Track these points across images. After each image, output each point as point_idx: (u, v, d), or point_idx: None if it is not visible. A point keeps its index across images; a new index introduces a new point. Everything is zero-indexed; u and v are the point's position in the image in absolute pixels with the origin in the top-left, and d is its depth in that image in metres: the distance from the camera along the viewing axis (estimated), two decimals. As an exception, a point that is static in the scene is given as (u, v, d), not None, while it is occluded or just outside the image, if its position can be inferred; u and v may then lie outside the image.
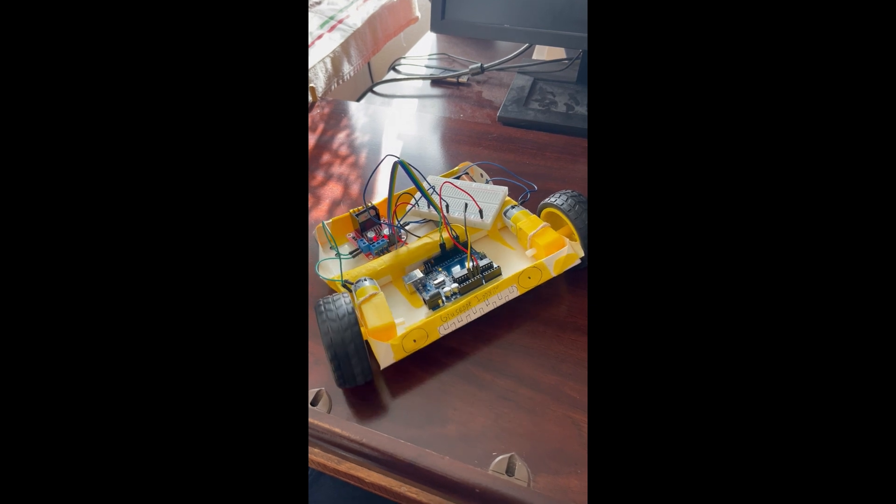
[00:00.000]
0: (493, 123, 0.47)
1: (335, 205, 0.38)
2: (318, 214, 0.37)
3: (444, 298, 0.28)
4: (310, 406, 0.23)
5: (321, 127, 0.47)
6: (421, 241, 0.31)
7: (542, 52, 0.57)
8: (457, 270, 0.30)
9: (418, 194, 0.34)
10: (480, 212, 0.31)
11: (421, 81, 0.56)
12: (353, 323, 0.23)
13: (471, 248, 0.29)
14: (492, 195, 0.33)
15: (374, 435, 0.21)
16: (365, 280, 0.28)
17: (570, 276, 0.30)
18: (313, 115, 0.49)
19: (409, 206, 0.33)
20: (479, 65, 0.53)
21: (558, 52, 0.56)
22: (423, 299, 0.28)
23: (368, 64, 0.68)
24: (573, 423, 0.24)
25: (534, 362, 0.27)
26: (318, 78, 0.53)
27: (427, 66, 0.58)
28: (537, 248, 0.30)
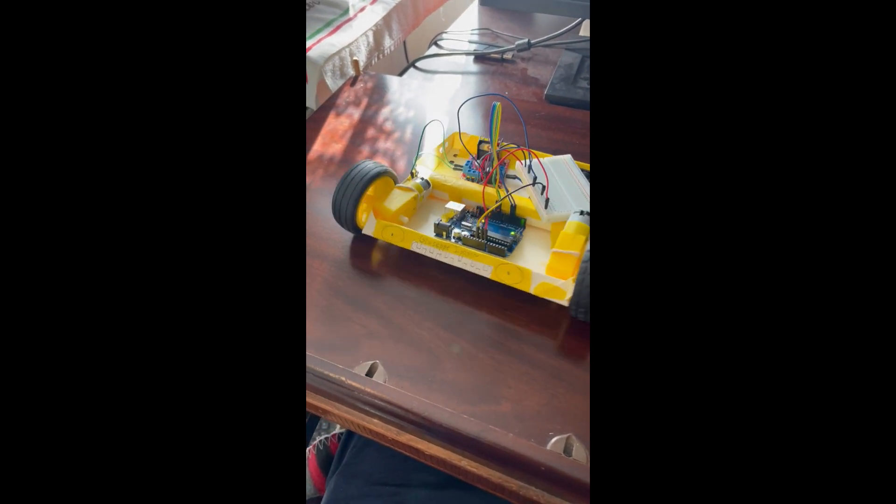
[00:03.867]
0: (540, 102, 0.46)
1: (382, 180, 0.38)
2: (364, 189, 0.37)
3: (448, 234, 0.30)
4: (367, 377, 0.23)
5: (365, 101, 0.46)
6: (483, 189, 0.32)
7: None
8: (487, 230, 0.30)
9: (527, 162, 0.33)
10: (547, 201, 0.30)
11: (464, 57, 0.55)
12: (364, 177, 0.29)
13: (488, 215, 0.31)
14: (583, 199, 0.31)
15: (436, 409, 0.21)
16: (422, 179, 0.32)
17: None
18: (356, 89, 0.48)
19: (519, 164, 0.33)
20: (525, 41, 0.51)
21: (607, 29, 0.54)
22: (436, 223, 0.31)
23: (404, 42, 0.67)
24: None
25: (589, 343, 0.26)
26: (360, 52, 0.52)
27: (470, 42, 0.57)
28: (549, 261, 0.28)
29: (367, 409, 0.22)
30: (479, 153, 0.35)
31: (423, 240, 0.29)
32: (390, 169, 0.32)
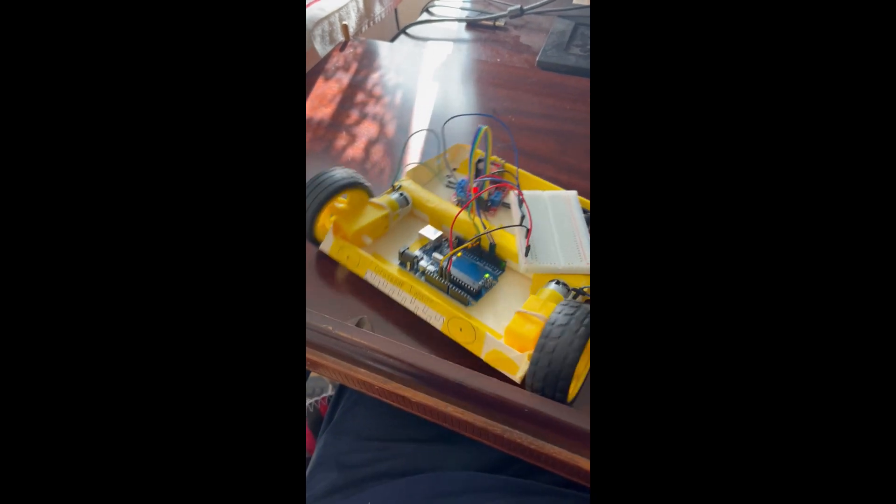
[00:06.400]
0: (532, 68, 0.46)
1: (371, 143, 0.37)
2: (353, 153, 0.37)
3: (412, 265, 0.26)
4: (356, 327, 0.24)
5: (354, 66, 0.46)
6: (466, 218, 0.27)
7: (584, -4, 0.54)
8: (456, 266, 0.26)
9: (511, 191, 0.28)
10: (528, 249, 0.25)
11: (455, 24, 0.54)
12: (329, 186, 0.26)
13: (455, 252, 0.26)
14: (574, 249, 0.26)
15: (423, 356, 0.21)
16: (401, 195, 0.29)
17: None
18: (346, 54, 0.48)
19: (514, 194, 0.28)
20: (518, 7, 0.51)
21: (601, -3, 0.53)
22: (401, 251, 0.27)
23: (395, 10, 0.66)
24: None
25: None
26: (350, 17, 0.51)
27: (462, 9, 0.56)
28: (510, 325, 0.23)
29: (356, 357, 0.23)
30: (477, 172, 0.30)
31: (377, 270, 0.26)
32: (363, 181, 0.28)
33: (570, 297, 0.24)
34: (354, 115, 0.40)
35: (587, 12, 0.51)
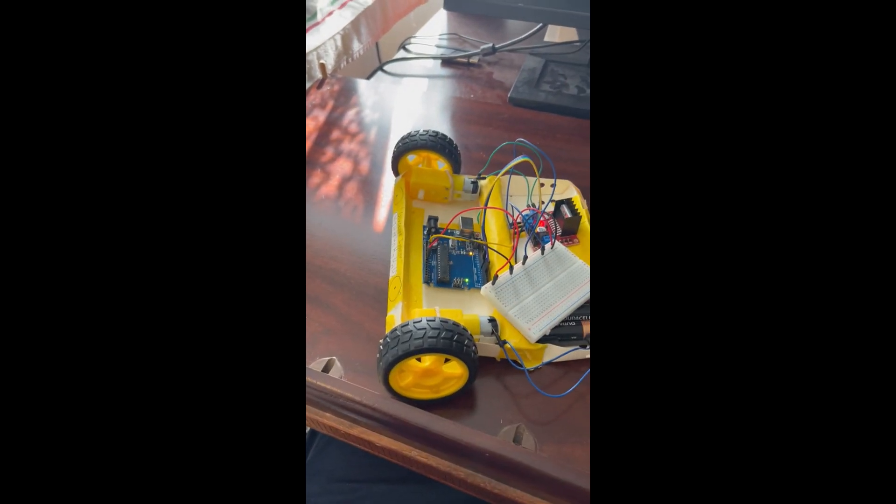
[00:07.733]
0: (504, 104, 0.47)
1: (345, 181, 0.38)
2: (327, 190, 0.37)
3: (429, 232, 0.31)
4: (322, 372, 0.24)
5: (331, 104, 0.47)
6: (492, 236, 0.30)
7: (555, 34, 0.56)
8: (451, 257, 0.29)
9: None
10: (495, 278, 0.26)
11: (431, 61, 0.55)
12: (416, 141, 0.33)
13: (435, 236, 0.30)
14: (535, 311, 0.25)
15: (386, 401, 0.21)
16: (472, 182, 0.33)
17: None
18: (323, 91, 0.49)
19: (550, 241, 0.29)
20: (490, 45, 0.53)
21: (570, 34, 0.55)
22: (430, 216, 0.32)
23: (377, 44, 0.68)
24: (578, 394, 0.24)
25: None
26: (328, 55, 0.53)
27: (437, 46, 0.58)
28: (420, 309, 0.26)
29: (321, 402, 0.23)
30: (556, 209, 0.31)
31: (399, 215, 0.30)
32: (441, 149, 0.32)
33: (488, 338, 0.25)
34: (329, 152, 0.41)
35: (557, 49, 0.53)
